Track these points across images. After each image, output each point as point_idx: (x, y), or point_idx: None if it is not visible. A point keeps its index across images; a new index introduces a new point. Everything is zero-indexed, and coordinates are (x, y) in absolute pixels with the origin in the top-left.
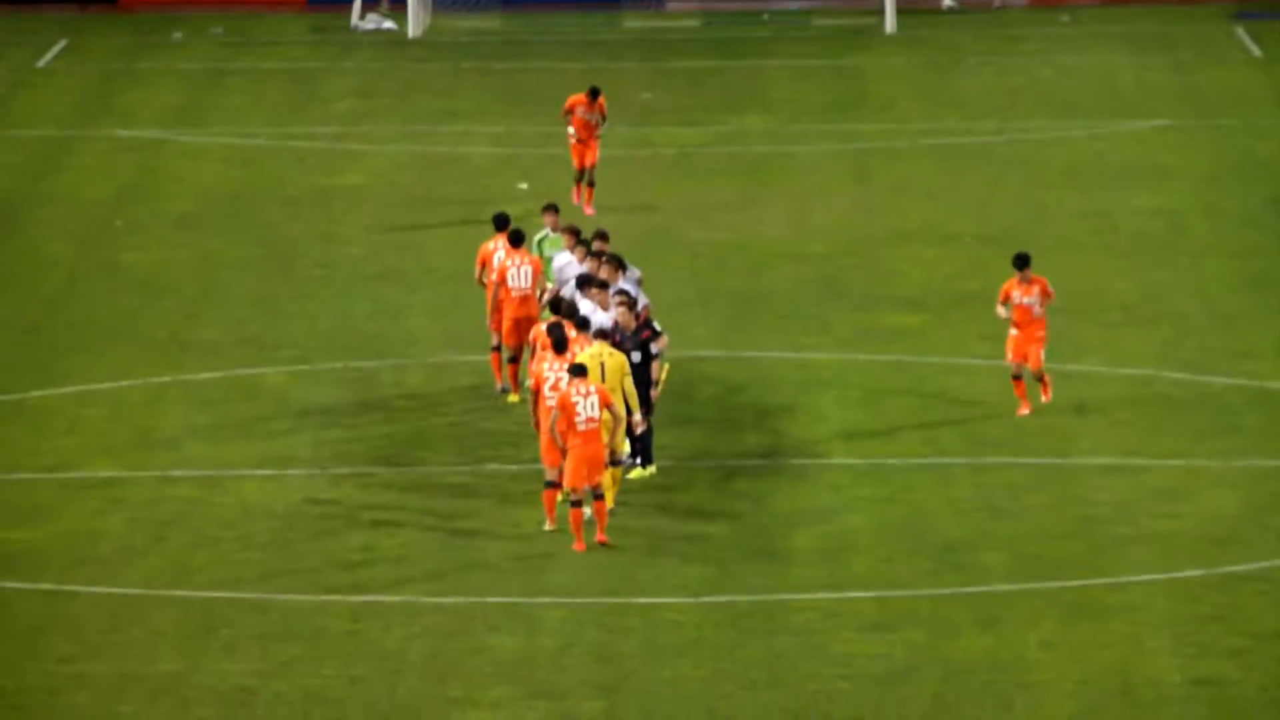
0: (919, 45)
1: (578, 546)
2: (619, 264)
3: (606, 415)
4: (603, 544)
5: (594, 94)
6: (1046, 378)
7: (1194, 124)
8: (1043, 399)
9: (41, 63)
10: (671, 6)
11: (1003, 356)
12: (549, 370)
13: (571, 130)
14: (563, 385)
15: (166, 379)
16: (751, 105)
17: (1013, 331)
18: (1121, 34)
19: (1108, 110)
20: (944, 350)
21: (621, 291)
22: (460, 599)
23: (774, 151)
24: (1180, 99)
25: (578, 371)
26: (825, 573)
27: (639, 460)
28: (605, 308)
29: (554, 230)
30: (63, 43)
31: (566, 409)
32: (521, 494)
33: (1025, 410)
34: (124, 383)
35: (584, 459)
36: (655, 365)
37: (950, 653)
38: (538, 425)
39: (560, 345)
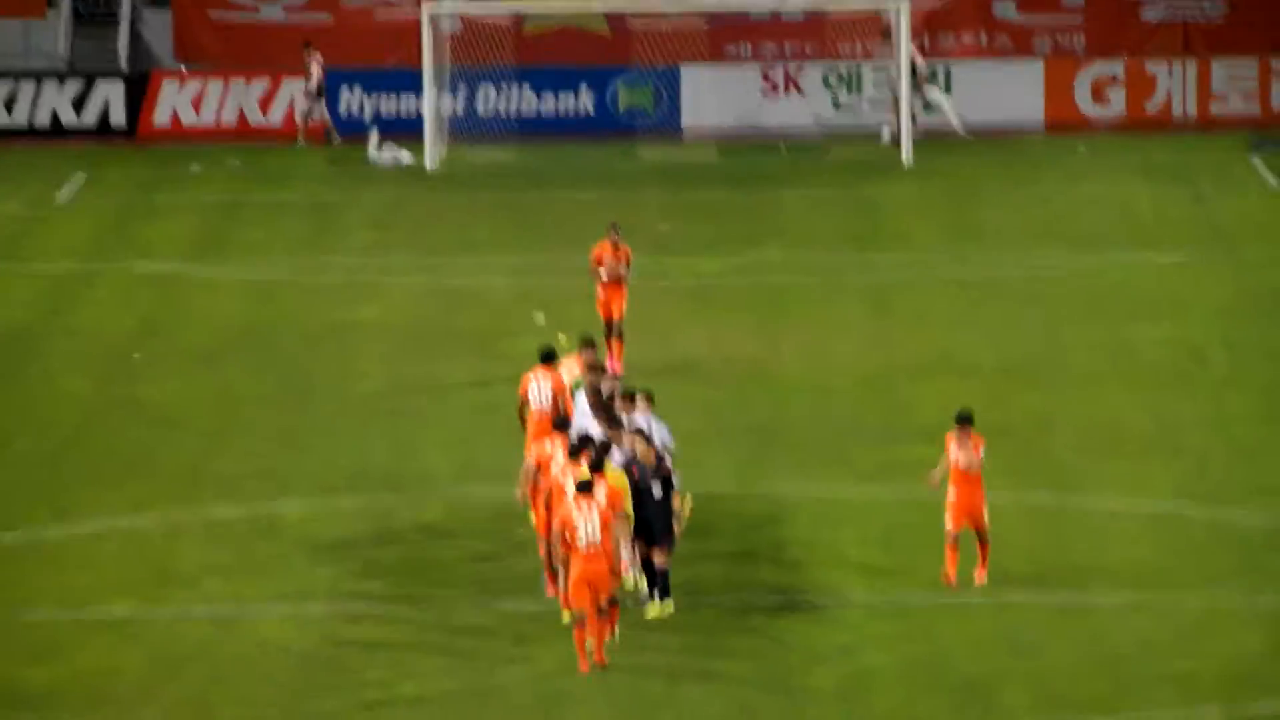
0: (936, 176)
1: (582, 668)
2: (631, 398)
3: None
4: (600, 664)
5: (615, 235)
6: (985, 549)
7: (1212, 256)
8: (978, 577)
9: (60, 196)
10: (688, 136)
11: (1019, 489)
12: (578, 514)
13: (605, 277)
14: (589, 535)
15: (185, 514)
16: (769, 236)
17: (950, 496)
18: (1138, 164)
19: (1126, 241)
20: None
21: (638, 430)
22: None
23: (791, 282)
24: (1198, 230)
25: (584, 489)
26: (844, 711)
27: (658, 595)
28: (620, 445)
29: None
30: (82, 175)
31: (568, 527)
32: (538, 633)
33: (952, 580)
34: (142, 518)
35: (585, 577)
36: (676, 499)
37: None
38: (534, 506)
39: (586, 489)
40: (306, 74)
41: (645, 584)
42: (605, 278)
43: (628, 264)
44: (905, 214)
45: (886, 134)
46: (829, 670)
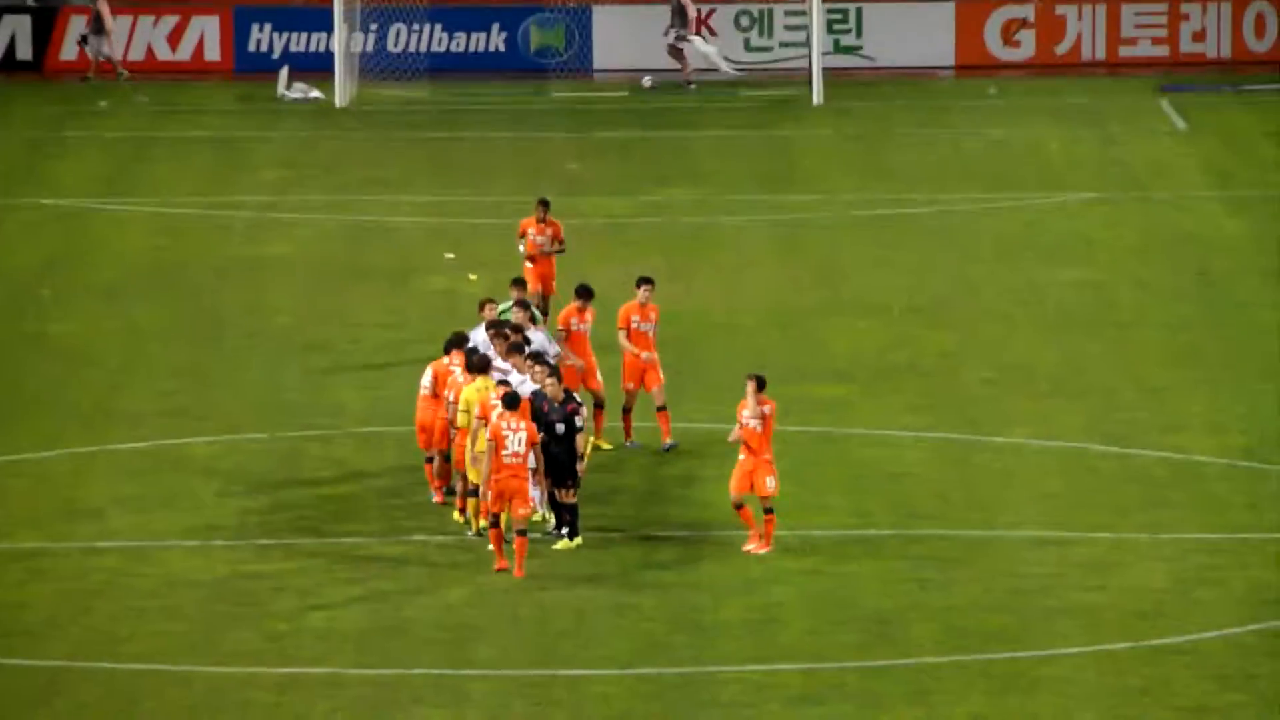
0: (847, 116)
1: (499, 564)
2: (529, 312)
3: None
4: (518, 577)
5: (543, 211)
6: (771, 520)
7: (1121, 197)
8: (758, 546)
9: None
10: (599, 77)
11: (928, 428)
12: (506, 429)
13: (523, 250)
14: (515, 446)
15: (92, 449)
16: (679, 177)
17: (740, 456)
18: (1048, 106)
19: (1036, 183)
20: (872, 422)
21: (544, 362)
22: (386, 671)
23: (702, 223)
24: (1108, 172)
25: (511, 404)
26: (753, 645)
27: (566, 532)
28: (522, 372)
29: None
30: None
31: (498, 441)
32: (448, 565)
33: (752, 545)
34: (49, 453)
35: (506, 490)
36: (580, 438)
37: None
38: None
39: (513, 404)
40: (90, 13)
41: (554, 520)
42: (525, 250)
43: (556, 239)
44: (815, 154)
45: (647, 81)
46: (737, 604)
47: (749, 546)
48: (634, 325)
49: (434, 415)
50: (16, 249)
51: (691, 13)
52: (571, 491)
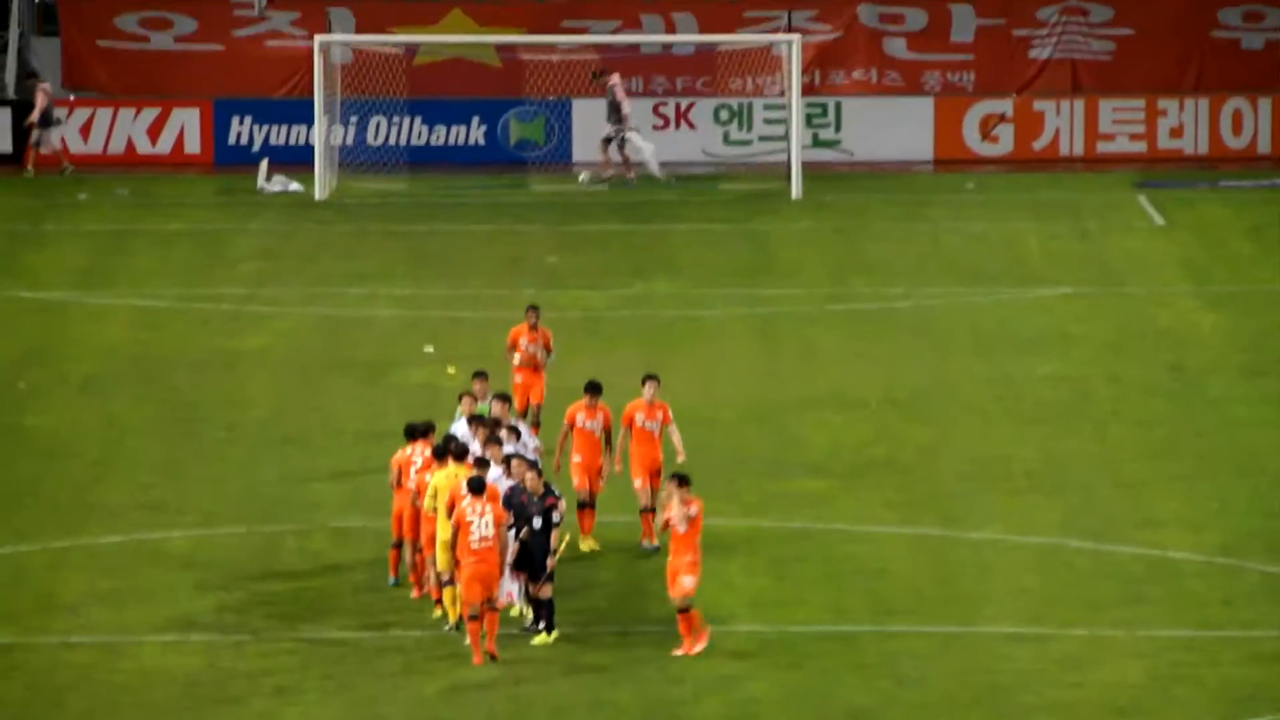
0: (825, 210)
1: (476, 660)
2: (507, 404)
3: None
4: (491, 655)
5: (534, 317)
6: (695, 618)
7: (1098, 291)
8: (689, 647)
9: None
10: (579, 169)
11: (905, 523)
12: (471, 514)
13: (517, 362)
14: (482, 530)
15: (68, 543)
16: (658, 269)
17: (577, 458)
18: (1026, 201)
19: (1013, 277)
20: (850, 517)
21: (522, 457)
22: None
23: (680, 316)
24: (1085, 266)
25: (476, 488)
26: None
27: (542, 626)
28: (497, 462)
29: (482, 399)
30: None
31: (461, 527)
32: (424, 660)
33: (586, 545)
34: (25, 547)
35: (478, 576)
36: (554, 534)
37: None
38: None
39: (478, 488)
40: (33, 104)
41: (531, 614)
42: (518, 362)
43: (546, 348)
44: (794, 247)
45: (584, 177)
46: (716, 700)
47: (677, 651)
48: (639, 424)
49: (402, 504)
50: None
51: (626, 109)
52: (546, 586)
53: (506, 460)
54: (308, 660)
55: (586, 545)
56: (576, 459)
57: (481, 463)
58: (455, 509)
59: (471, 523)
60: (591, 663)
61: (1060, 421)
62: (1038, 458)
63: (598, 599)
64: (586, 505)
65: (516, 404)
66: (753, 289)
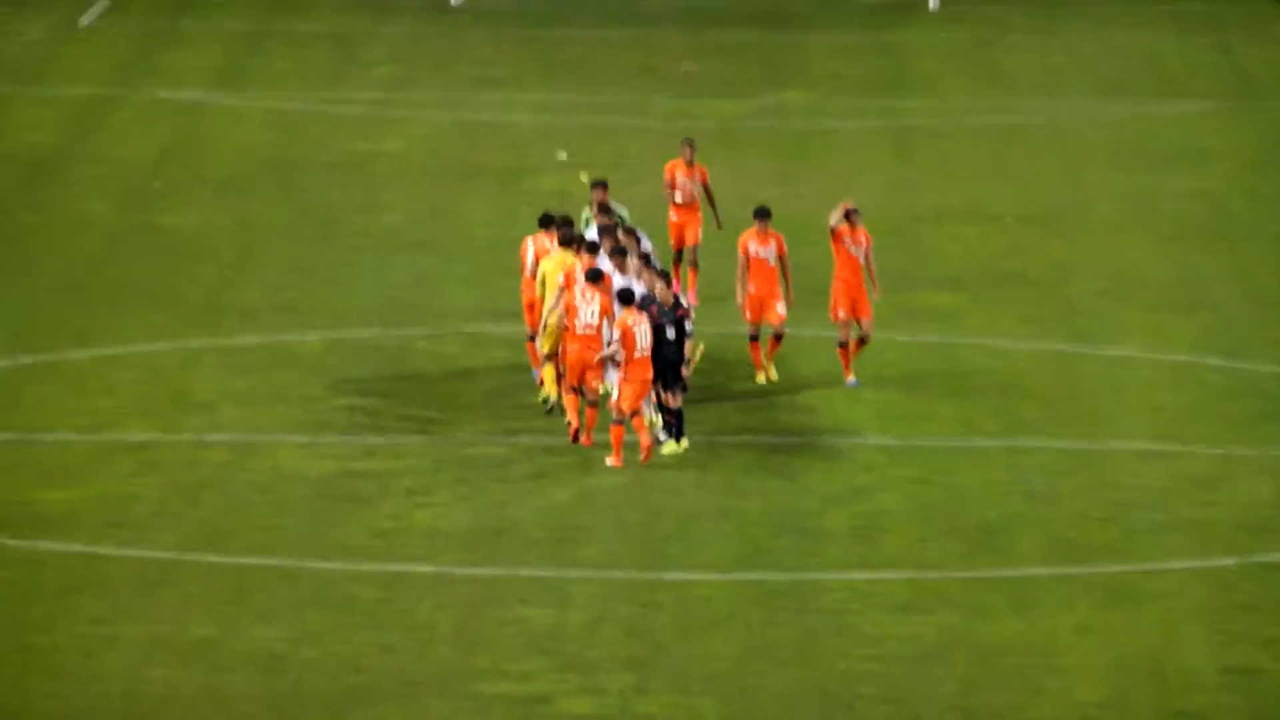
0: (962, 21)
1: (573, 425)
2: (634, 235)
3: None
4: (587, 446)
5: (690, 152)
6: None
7: (1239, 106)
8: (764, 376)
9: (84, 20)
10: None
11: (1037, 338)
12: (581, 300)
13: (679, 199)
14: (587, 318)
15: (203, 343)
16: (793, 79)
17: (751, 288)
18: (1168, 13)
19: (1152, 91)
20: (981, 331)
21: (655, 268)
22: (491, 570)
23: (813, 127)
24: (1226, 80)
25: (594, 277)
26: (858, 552)
27: (674, 435)
28: (624, 273)
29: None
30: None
31: (570, 310)
32: (554, 467)
33: (762, 377)
34: (161, 345)
35: (581, 360)
36: (688, 344)
37: (982, 636)
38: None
39: (595, 277)
40: None
41: (661, 423)
42: (679, 199)
43: (704, 184)
44: (930, 59)
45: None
46: (843, 511)
47: (761, 378)
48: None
49: (531, 295)
50: (131, 140)
51: None
52: (678, 395)
53: (621, 253)
54: (438, 464)
55: (761, 378)
56: (751, 289)
57: (592, 247)
58: (566, 293)
59: (579, 309)
60: (720, 473)
61: (1196, 238)
62: (1173, 274)
63: (728, 408)
64: (754, 339)
65: (672, 244)
66: (888, 100)
